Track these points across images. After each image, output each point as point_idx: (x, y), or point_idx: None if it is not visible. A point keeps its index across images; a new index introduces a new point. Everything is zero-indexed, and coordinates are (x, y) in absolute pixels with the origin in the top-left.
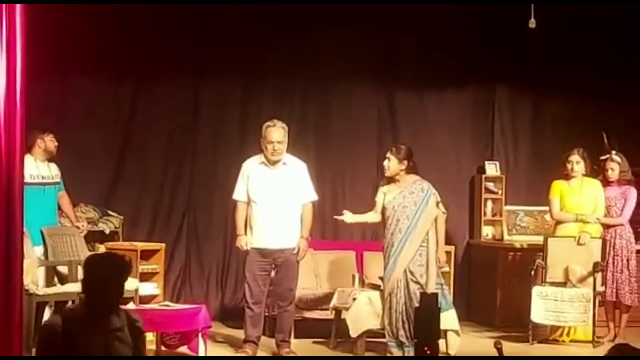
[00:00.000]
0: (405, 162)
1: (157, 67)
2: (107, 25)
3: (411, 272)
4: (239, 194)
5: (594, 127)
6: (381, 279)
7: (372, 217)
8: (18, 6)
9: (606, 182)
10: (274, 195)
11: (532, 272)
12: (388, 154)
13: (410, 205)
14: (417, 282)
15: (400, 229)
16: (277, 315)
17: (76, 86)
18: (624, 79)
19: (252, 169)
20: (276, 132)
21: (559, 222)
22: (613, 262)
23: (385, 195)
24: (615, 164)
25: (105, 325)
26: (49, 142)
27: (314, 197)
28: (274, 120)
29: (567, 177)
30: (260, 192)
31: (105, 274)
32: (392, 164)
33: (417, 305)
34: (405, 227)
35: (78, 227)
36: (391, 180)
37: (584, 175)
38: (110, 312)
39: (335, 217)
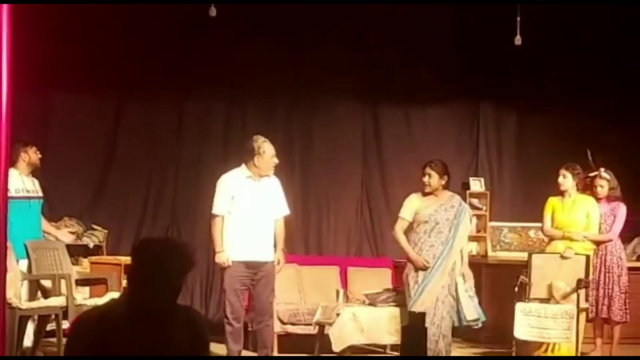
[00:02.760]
0: (445, 176)
1: (141, 81)
2: (91, 39)
3: (448, 286)
4: (220, 209)
5: (578, 144)
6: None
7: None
8: (5, 18)
9: (595, 199)
10: (258, 208)
11: (516, 289)
12: (428, 170)
13: (452, 219)
14: (451, 295)
15: (442, 241)
16: (259, 330)
17: (60, 100)
18: (609, 95)
19: (237, 182)
20: (272, 147)
21: (550, 239)
22: (604, 279)
23: (422, 209)
24: (604, 181)
25: (154, 326)
26: (32, 154)
27: (288, 211)
28: (259, 136)
29: (562, 193)
30: (246, 205)
31: (162, 264)
32: (433, 180)
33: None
34: (446, 239)
35: (72, 233)
36: (426, 194)
37: (579, 191)
38: (163, 312)
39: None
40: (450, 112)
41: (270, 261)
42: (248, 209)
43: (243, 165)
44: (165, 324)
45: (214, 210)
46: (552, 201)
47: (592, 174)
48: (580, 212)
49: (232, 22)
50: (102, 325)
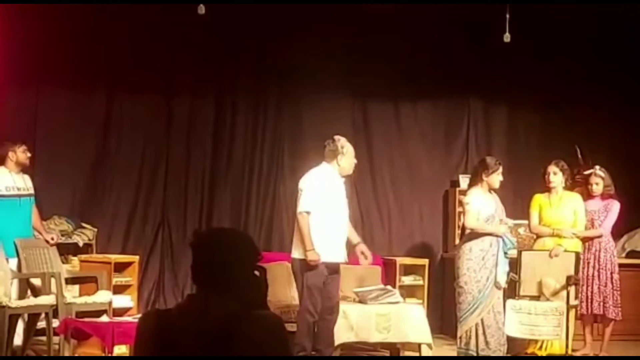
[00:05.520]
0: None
1: (130, 78)
2: (80, 36)
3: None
4: (312, 206)
5: (567, 141)
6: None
7: None
8: None
9: (589, 196)
10: (343, 207)
11: (506, 286)
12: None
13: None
14: None
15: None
16: (325, 327)
17: (49, 98)
18: (599, 92)
19: (328, 181)
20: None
21: (537, 236)
22: (598, 276)
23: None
24: (599, 179)
25: (225, 338)
26: (20, 153)
27: None
28: (340, 136)
29: (548, 190)
30: (334, 205)
31: (245, 259)
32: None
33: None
34: None
35: (48, 242)
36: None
37: (565, 188)
38: (240, 320)
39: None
40: (440, 108)
41: (342, 261)
42: (335, 209)
43: (326, 164)
44: (238, 334)
45: (306, 208)
46: (538, 198)
47: (587, 172)
48: (568, 209)
49: (220, 18)
50: (164, 338)
